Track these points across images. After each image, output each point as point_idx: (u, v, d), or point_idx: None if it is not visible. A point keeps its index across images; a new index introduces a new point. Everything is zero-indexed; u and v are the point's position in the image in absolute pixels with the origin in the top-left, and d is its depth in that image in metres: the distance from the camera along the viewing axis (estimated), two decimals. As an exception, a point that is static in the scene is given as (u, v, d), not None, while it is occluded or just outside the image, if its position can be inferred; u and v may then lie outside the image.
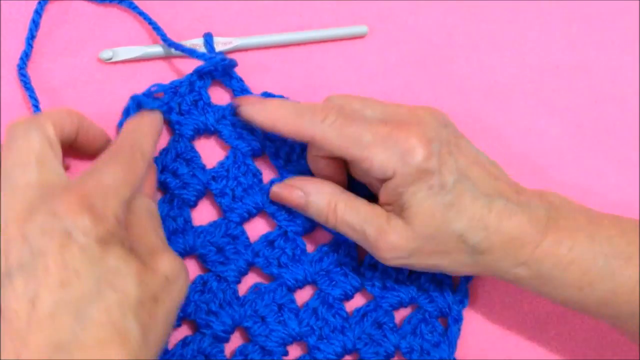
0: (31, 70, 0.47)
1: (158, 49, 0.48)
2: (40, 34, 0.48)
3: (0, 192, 0.37)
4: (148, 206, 0.42)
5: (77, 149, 0.44)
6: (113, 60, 0.48)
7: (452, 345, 0.47)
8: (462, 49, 0.52)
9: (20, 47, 0.47)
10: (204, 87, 0.47)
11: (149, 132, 0.43)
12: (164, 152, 0.47)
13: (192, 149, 0.47)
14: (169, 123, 0.47)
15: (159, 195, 0.47)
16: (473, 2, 0.53)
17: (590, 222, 0.42)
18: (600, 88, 0.53)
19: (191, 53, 0.47)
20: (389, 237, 0.41)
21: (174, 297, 0.38)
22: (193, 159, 0.47)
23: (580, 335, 0.50)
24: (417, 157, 0.40)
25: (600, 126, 0.52)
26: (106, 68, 0.48)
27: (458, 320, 0.47)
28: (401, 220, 0.41)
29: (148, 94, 0.46)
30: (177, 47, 0.47)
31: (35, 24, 0.47)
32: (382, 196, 0.42)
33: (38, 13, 0.47)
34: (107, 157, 0.39)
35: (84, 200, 0.36)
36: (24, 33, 0.47)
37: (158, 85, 0.47)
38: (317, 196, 0.44)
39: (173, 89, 0.47)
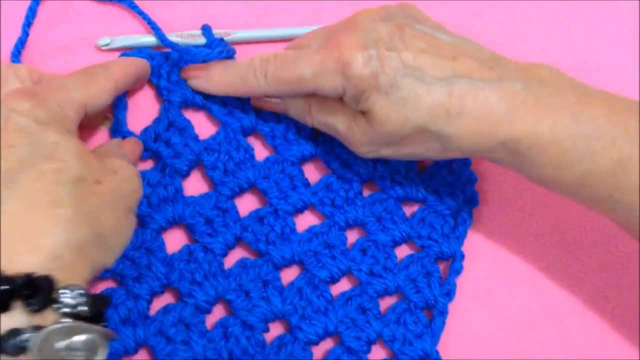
0: (27, 62, 0.48)
1: (155, 39, 0.48)
2: (39, 31, 0.48)
3: None
4: (123, 153, 0.43)
5: None
6: (110, 47, 0.48)
7: (436, 338, 0.47)
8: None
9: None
10: (196, 62, 0.47)
11: (124, 62, 0.44)
12: (157, 120, 0.47)
13: (184, 118, 0.47)
14: (157, 89, 0.47)
15: (150, 165, 0.47)
16: (473, 2, 0.53)
17: (579, 101, 0.40)
18: (600, 88, 0.53)
19: (187, 50, 0.47)
20: (355, 135, 0.43)
21: (124, 191, 0.39)
22: (186, 129, 0.47)
23: (578, 334, 0.50)
24: (355, 68, 0.40)
25: (600, 126, 0.52)
26: (103, 56, 0.48)
27: (443, 313, 0.47)
28: (364, 120, 0.42)
29: (137, 54, 0.47)
30: (174, 46, 0.47)
31: (31, 15, 0.47)
32: (348, 102, 0.42)
33: (32, 9, 0.47)
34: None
35: (29, 91, 0.37)
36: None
37: (148, 50, 0.47)
38: (294, 100, 0.45)
39: (163, 56, 0.47)
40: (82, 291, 0.33)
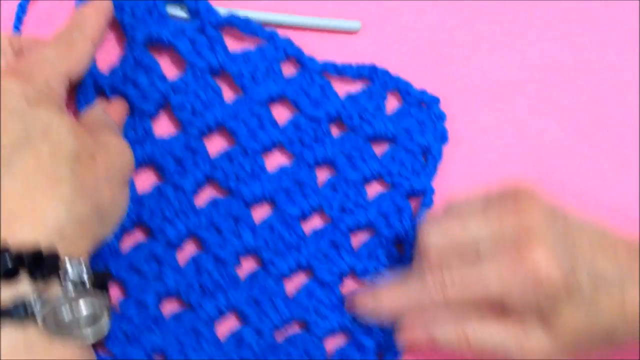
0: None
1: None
2: (29, 30, 0.48)
3: None
4: (109, 120, 0.43)
5: None
6: None
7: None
8: (462, 49, 0.52)
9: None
10: (163, 2, 0.47)
11: (91, 13, 0.43)
12: (123, 59, 0.46)
13: (151, 57, 0.46)
14: (121, 25, 0.46)
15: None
16: (473, 2, 0.53)
17: None
18: (600, 88, 0.53)
19: None
20: (532, 351, 0.41)
21: (118, 165, 0.39)
22: (152, 68, 0.46)
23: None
24: (551, 285, 0.39)
25: (600, 126, 0.52)
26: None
27: (413, 246, 0.47)
28: (541, 331, 0.41)
29: None
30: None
31: (21, 12, 0.47)
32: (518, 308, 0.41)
33: (22, 7, 0.47)
34: (44, 40, 0.41)
35: (16, 70, 0.37)
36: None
37: None
38: (442, 329, 0.42)
39: None
40: (84, 264, 0.34)
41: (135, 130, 0.46)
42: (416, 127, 0.49)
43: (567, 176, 0.51)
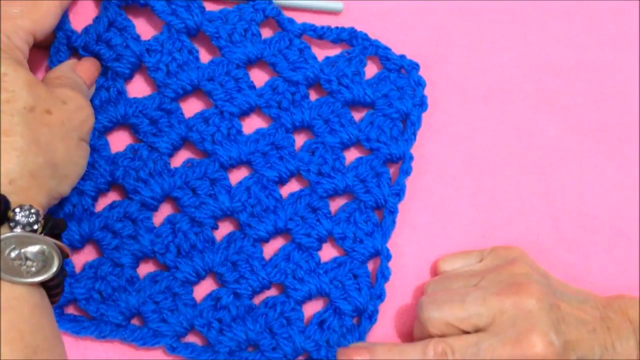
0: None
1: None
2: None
3: None
4: (75, 78, 0.42)
5: None
6: None
7: (386, 236, 0.47)
8: (462, 48, 0.52)
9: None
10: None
11: None
12: (97, 19, 0.46)
13: (125, 17, 0.46)
14: None
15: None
16: (473, 2, 0.53)
17: None
18: (600, 88, 0.53)
19: None
20: None
21: (74, 120, 0.39)
22: (127, 29, 0.46)
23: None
24: None
25: (600, 126, 0.52)
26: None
27: (393, 212, 0.47)
28: None
29: None
30: None
31: None
32: None
33: None
34: None
35: None
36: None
37: None
38: None
39: None
40: (35, 210, 0.35)
41: (109, 91, 0.46)
42: (395, 93, 0.49)
43: (567, 176, 0.51)
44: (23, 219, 0.35)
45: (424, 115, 0.49)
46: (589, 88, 0.53)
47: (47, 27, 0.41)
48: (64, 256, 0.36)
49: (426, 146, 0.50)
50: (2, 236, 0.34)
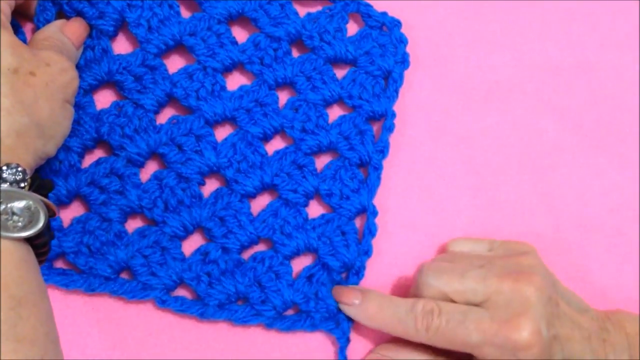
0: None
1: None
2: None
3: None
4: (62, 40, 0.43)
5: None
6: None
7: (372, 192, 0.47)
8: (462, 49, 0.52)
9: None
10: None
11: None
12: None
13: None
14: None
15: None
16: (473, 2, 0.53)
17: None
18: (600, 88, 0.53)
19: None
20: None
21: (58, 82, 0.40)
22: None
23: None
24: (529, 353, 0.41)
25: (600, 126, 0.52)
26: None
27: (378, 168, 0.47)
28: None
29: None
30: None
31: None
32: None
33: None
34: None
35: None
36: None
37: None
38: None
39: None
40: (22, 169, 0.36)
41: (93, 49, 0.46)
42: (377, 50, 0.49)
43: (567, 176, 0.51)
44: (10, 176, 0.35)
45: (421, 112, 0.50)
46: (589, 88, 0.53)
47: None
48: (51, 214, 0.37)
49: (426, 146, 0.50)
50: None
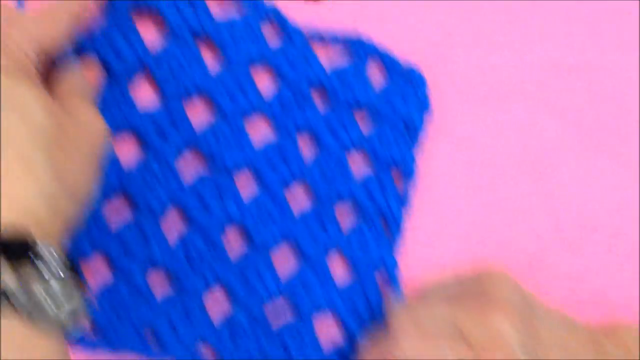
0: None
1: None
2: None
3: None
4: (86, 86, 0.41)
5: None
6: None
7: (392, 244, 0.47)
8: (462, 48, 0.52)
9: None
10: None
11: None
12: (102, 21, 0.45)
13: (131, 21, 0.45)
14: None
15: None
16: (473, 2, 0.53)
17: None
18: (600, 88, 0.53)
19: None
20: None
21: (91, 141, 0.38)
22: (131, 31, 0.45)
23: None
24: None
25: (600, 126, 0.52)
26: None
27: (398, 220, 0.48)
28: None
29: None
30: None
31: None
32: None
33: None
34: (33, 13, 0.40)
35: None
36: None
37: None
38: None
39: None
40: (57, 247, 0.34)
41: (113, 95, 0.45)
42: (398, 97, 0.49)
43: (567, 176, 0.51)
44: (48, 256, 0.33)
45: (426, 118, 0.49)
46: (589, 88, 0.53)
47: (59, 37, 0.40)
48: (82, 291, 0.35)
49: (424, 145, 0.50)
50: (32, 281, 0.32)
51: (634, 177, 0.52)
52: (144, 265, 0.44)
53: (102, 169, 0.40)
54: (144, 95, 0.47)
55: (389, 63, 0.49)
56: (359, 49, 0.49)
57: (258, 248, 0.46)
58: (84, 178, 0.37)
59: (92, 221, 0.44)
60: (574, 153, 0.52)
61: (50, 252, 0.33)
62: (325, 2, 0.51)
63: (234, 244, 0.46)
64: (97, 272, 0.45)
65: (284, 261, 0.47)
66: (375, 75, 0.50)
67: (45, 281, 0.33)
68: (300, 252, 0.46)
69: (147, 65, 0.45)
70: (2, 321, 0.31)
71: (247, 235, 0.46)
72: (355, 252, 0.47)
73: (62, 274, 0.33)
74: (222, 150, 0.46)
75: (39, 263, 0.33)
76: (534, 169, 0.51)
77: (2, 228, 0.32)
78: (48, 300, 0.33)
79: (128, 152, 0.46)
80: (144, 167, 0.45)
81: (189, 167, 0.46)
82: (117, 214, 0.45)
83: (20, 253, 0.32)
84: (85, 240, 0.44)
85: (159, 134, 0.45)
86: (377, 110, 0.48)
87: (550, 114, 0.52)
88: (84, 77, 0.42)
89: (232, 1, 0.48)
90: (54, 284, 0.33)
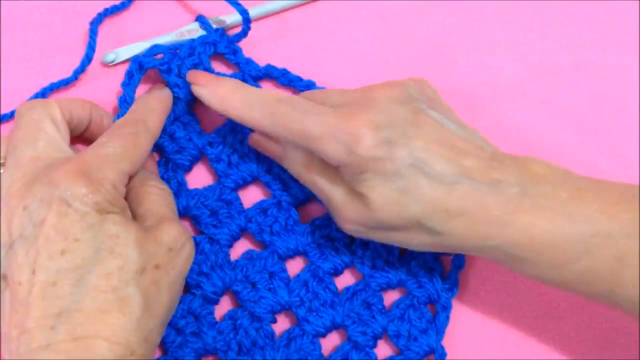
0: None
1: (157, 43, 0.48)
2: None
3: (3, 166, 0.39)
4: (157, 182, 0.42)
5: (91, 138, 0.44)
6: (116, 62, 0.48)
7: (440, 333, 0.47)
8: (462, 49, 0.52)
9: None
10: (205, 54, 0.48)
11: (157, 108, 0.44)
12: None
13: (190, 112, 0.47)
14: (167, 84, 0.47)
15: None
16: (473, 2, 0.53)
17: (572, 198, 0.40)
18: (600, 88, 0.53)
19: (191, 41, 0.48)
20: (348, 212, 0.41)
21: (178, 265, 0.39)
22: (190, 123, 0.47)
23: (578, 333, 0.50)
24: (364, 146, 0.39)
25: (600, 126, 0.52)
26: (110, 71, 0.49)
27: (447, 307, 0.47)
28: (359, 202, 0.41)
29: (148, 54, 0.47)
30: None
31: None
32: (345, 176, 0.41)
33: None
34: (110, 131, 0.41)
35: (81, 169, 0.37)
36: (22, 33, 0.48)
37: (158, 46, 0.47)
38: (295, 150, 0.43)
39: (173, 51, 0.47)
40: None
41: (170, 183, 0.46)
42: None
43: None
44: None
45: None
46: (589, 88, 0.53)
47: (141, 165, 0.41)
48: None
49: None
50: None
51: (634, 177, 0.52)
52: (198, 354, 0.45)
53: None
54: (201, 182, 0.48)
55: None
56: None
57: (309, 336, 0.46)
58: (172, 304, 0.39)
59: None
60: (574, 153, 0.52)
61: None
62: (325, 2, 0.51)
63: (283, 328, 0.47)
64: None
65: (332, 346, 0.47)
66: None
67: None
68: (350, 341, 0.46)
69: (205, 153, 0.47)
70: None
71: (297, 322, 0.46)
72: (402, 340, 0.46)
73: None
74: (274, 237, 0.47)
75: None
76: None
77: None
78: None
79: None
80: (200, 254, 0.46)
81: (242, 254, 0.47)
82: None
83: None
84: None
85: (214, 221, 0.46)
86: None
87: (550, 114, 0.52)
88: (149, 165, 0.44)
89: (286, 86, 0.49)
90: None
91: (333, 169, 0.42)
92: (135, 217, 0.40)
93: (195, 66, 0.47)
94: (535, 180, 0.40)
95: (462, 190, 0.39)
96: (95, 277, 0.35)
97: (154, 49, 0.47)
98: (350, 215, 0.41)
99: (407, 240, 0.41)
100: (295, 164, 0.44)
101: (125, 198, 0.40)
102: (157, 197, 0.41)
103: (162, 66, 0.46)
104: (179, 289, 0.39)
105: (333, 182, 0.42)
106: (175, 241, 0.39)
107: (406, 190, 0.39)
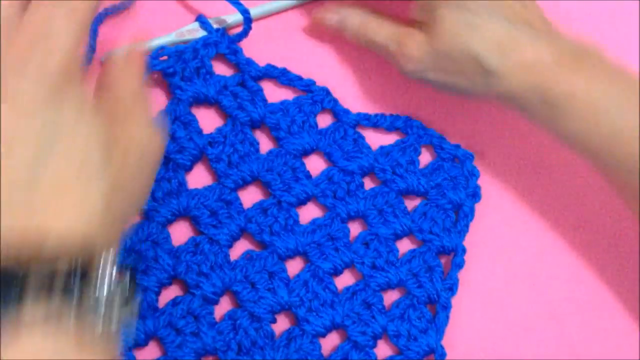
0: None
1: (158, 42, 0.48)
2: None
3: None
4: (141, 90, 0.41)
5: None
6: None
7: (440, 332, 0.47)
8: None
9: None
10: (207, 56, 0.48)
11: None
12: (162, 113, 0.47)
13: (190, 113, 0.48)
14: (169, 86, 0.47)
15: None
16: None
17: (617, 68, 0.43)
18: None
19: (194, 43, 0.48)
20: (408, 50, 0.44)
21: (147, 153, 0.38)
22: (191, 123, 0.47)
23: (578, 333, 0.50)
24: None
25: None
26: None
27: (446, 307, 0.47)
28: (424, 36, 0.43)
29: (154, 56, 0.47)
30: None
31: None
32: (413, 12, 0.44)
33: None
34: None
35: (21, 45, 0.34)
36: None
37: (163, 47, 0.48)
38: (351, 18, 0.47)
39: (177, 54, 0.47)
40: (114, 255, 0.34)
41: (170, 182, 0.47)
42: (448, 183, 0.49)
43: (567, 175, 0.51)
44: (109, 268, 0.34)
45: None
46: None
47: (94, 15, 0.38)
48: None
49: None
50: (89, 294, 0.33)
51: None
52: (197, 354, 0.45)
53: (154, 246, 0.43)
54: (201, 181, 0.48)
55: (440, 148, 0.49)
56: (410, 134, 0.50)
57: (309, 336, 0.46)
58: (141, 187, 0.39)
59: (149, 310, 0.45)
60: (574, 154, 0.52)
61: (111, 265, 0.34)
62: (323, 1, 0.51)
63: (282, 328, 0.47)
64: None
65: (332, 346, 0.47)
66: (426, 160, 0.50)
67: (102, 287, 0.33)
68: (350, 341, 0.46)
69: (206, 153, 0.47)
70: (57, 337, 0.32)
71: (297, 322, 0.46)
72: (402, 340, 0.47)
73: (118, 280, 0.34)
74: (274, 237, 0.47)
75: (99, 282, 0.33)
76: (534, 168, 0.51)
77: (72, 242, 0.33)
78: (105, 315, 0.33)
79: (183, 236, 0.47)
80: (200, 254, 0.46)
81: (241, 252, 0.47)
82: (174, 303, 0.45)
83: (83, 273, 0.33)
84: (141, 329, 0.44)
85: (214, 222, 0.47)
86: (427, 197, 0.49)
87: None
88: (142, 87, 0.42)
89: (286, 87, 0.50)
90: (110, 290, 0.34)
91: (387, 21, 0.46)
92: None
93: (198, 70, 0.47)
94: (586, 50, 0.43)
95: (521, 33, 0.42)
96: (58, 153, 0.34)
97: (160, 51, 0.47)
98: (411, 53, 0.44)
99: (461, 83, 0.44)
100: (355, 29, 0.47)
101: None
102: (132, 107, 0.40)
103: (168, 69, 0.47)
104: (148, 176, 0.39)
105: (388, 31, 0.46)
106: (141, 130, 0.38)
107: (472, 25, 0.42)
